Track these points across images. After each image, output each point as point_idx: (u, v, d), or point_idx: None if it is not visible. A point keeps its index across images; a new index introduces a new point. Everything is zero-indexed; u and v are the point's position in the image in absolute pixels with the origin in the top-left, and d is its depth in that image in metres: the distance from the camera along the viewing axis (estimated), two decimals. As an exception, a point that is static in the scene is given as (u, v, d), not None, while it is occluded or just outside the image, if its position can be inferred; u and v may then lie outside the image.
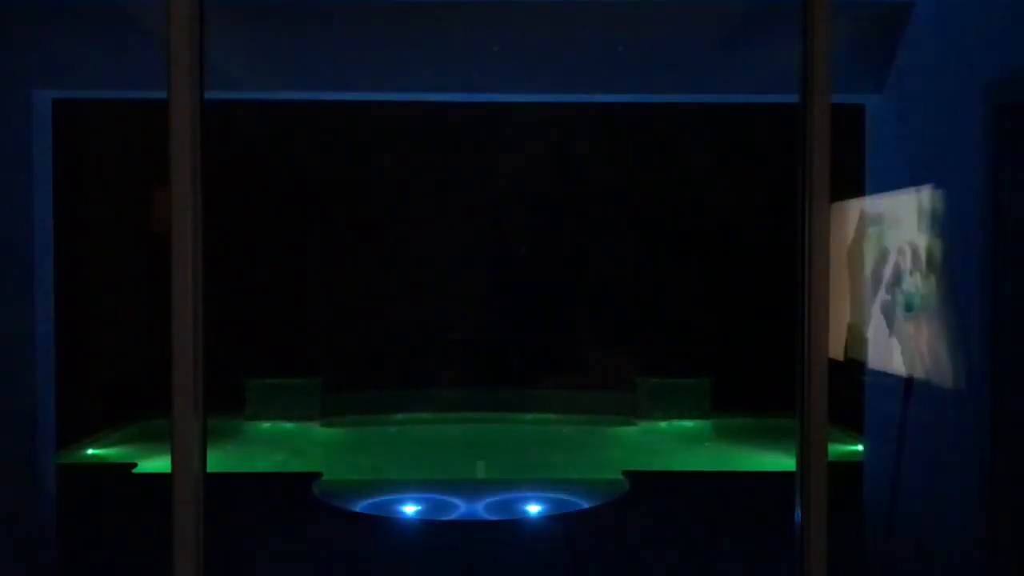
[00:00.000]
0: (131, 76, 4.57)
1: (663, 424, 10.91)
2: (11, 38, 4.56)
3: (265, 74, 4.69)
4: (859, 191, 4.87)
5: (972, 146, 3.70)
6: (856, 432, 5.73)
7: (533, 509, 7.52)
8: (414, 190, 11.66)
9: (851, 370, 4.91)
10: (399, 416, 11.01)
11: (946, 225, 3.83)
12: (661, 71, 4.75)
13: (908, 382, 4.19)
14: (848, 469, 5.12)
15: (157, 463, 8.17)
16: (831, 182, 2.05)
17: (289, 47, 4.65)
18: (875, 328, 4.76)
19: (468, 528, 6.90)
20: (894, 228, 4.52)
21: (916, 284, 4.21)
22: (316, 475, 7.78)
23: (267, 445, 10.28)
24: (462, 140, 11.00)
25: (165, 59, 1.83)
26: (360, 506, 7.30)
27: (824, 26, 2.02)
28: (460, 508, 7.47)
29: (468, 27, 4.64)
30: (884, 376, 4.58)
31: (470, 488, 8.00)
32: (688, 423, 10.89)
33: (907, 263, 4.34)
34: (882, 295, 4.50)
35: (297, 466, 8.93)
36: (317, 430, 10.68)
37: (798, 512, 2.04)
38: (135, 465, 8.29)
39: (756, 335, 10.64)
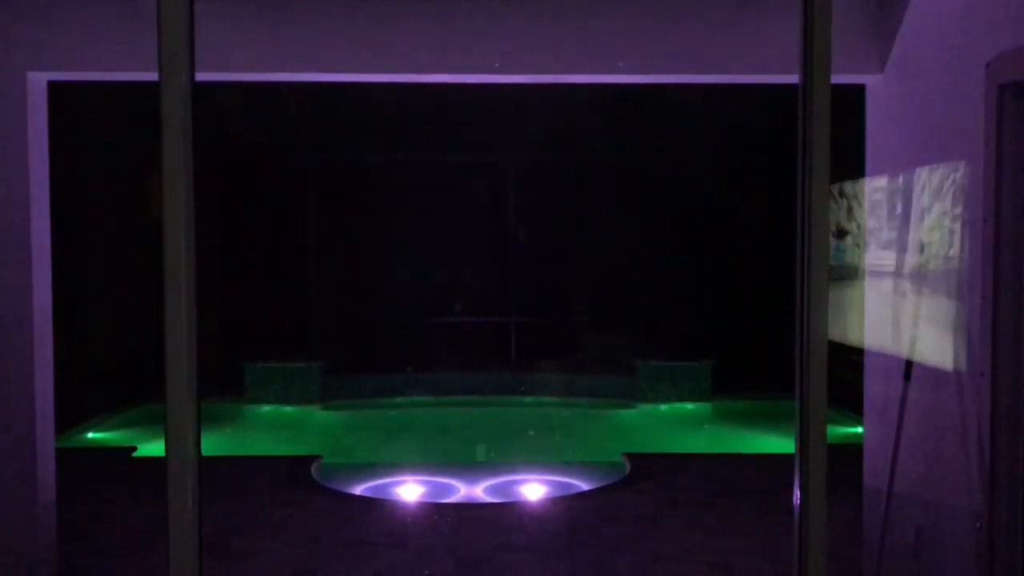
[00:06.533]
0: (128, 57, 4.54)
1: (663, 407, 10.92)
2: (5, 19, 4.52)
3: (262, 55, 4.66)
4: (859, 171, 4.85)
5: (974, 125, 3.67)
6: (855, 414, 5.74)
7: (533, 491, 7.54)
8: (413, 173, 11.63)
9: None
10: (399, 399, 11.03)
11: (948, 204, 3.81)
12: (661, 51, 4.71)
13: (908, 364, 4.18)
14: (847, 451, 5.12)
15: (157, 447, 8.18)
16: (831, 163, 2.03)
17: (285, 28, 4.61)
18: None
19: (467, 510, 6.92)
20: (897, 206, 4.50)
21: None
22: (316, 458, 7.80)
23: (267, 428, 10.31)
24: (462, 121, 10.96)
25: (156, 39, 1.80)
26: (360, 489, 7.32)
27: (824, 4, 1.99)
28: (459, 490, 7.49)
29: (466, 5, 4.60)
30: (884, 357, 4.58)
31: (470, 471, 8.02)
32: (688, 406, 10.91)
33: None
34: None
35: (297, 449, 8.95)
36: (317, 413, 10.70)
37: (797, 494, 2.03)
38: (135, 449, 8.30)
39: (756, 318, 10.64)
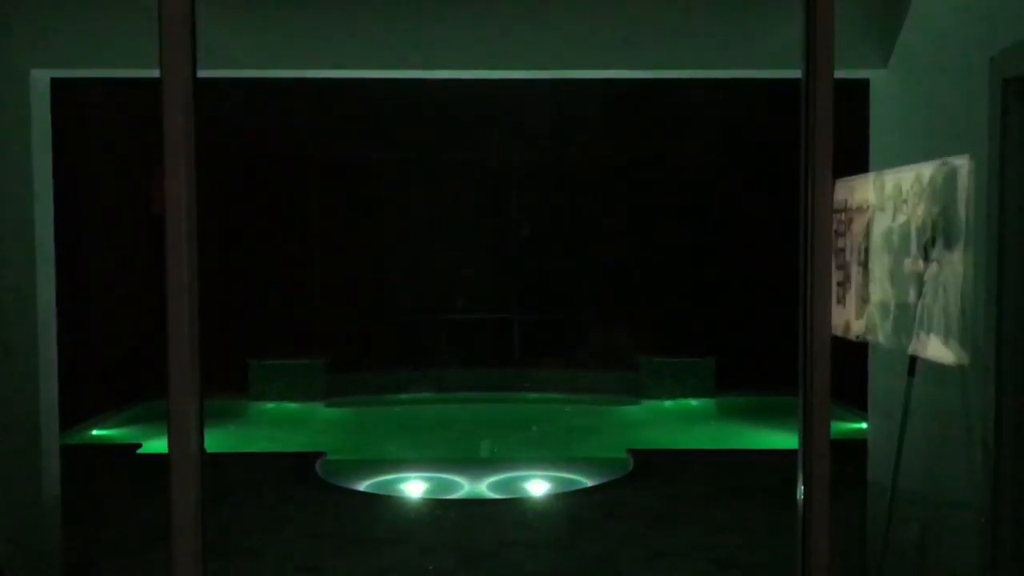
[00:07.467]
0: (131, 55, 4.53)
1: (667, 403, 10.92)
2: (8, 16, 4.52)
3: (262, 53, 4.65)
4: (863, 166, 4.83)
5: (978, 119, 3.66)
6: (860, 409, 5.73)
7: (537, 488, 7.53)
8: (416, 169, 11.62)
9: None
10: (403, 396, 11.03)
11: (952, 198, 3.79)
12: (662, 46, 4.70)
13: (912, 359, 4.17)
14: (852, 447, 5.11)
15: (161, 444, 8.19)
16: (834, 157, 2.03)
17: (285, 25, 4.61)
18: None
19: (471, 507, 6.92)
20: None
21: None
22: (320, 455, 7.80)
23: (271, 425, 10.32)
24: (463, 118, 10.94)
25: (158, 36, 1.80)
26: (364, 485, 7.32)
27: (828, -1, 1.99)
28: (463, 487, 7.49)
29: (467, 2, 4.59)
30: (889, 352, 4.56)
31: (473, 467, 8.02)
32: (692, 402, 10.90)
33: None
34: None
35: (301, 446, 8.95)
36: (321, 410, 10.70)
37: (800, 489, 2.03)
38: (139, 446, 8.31)
39: (760, 314, 10.63)
